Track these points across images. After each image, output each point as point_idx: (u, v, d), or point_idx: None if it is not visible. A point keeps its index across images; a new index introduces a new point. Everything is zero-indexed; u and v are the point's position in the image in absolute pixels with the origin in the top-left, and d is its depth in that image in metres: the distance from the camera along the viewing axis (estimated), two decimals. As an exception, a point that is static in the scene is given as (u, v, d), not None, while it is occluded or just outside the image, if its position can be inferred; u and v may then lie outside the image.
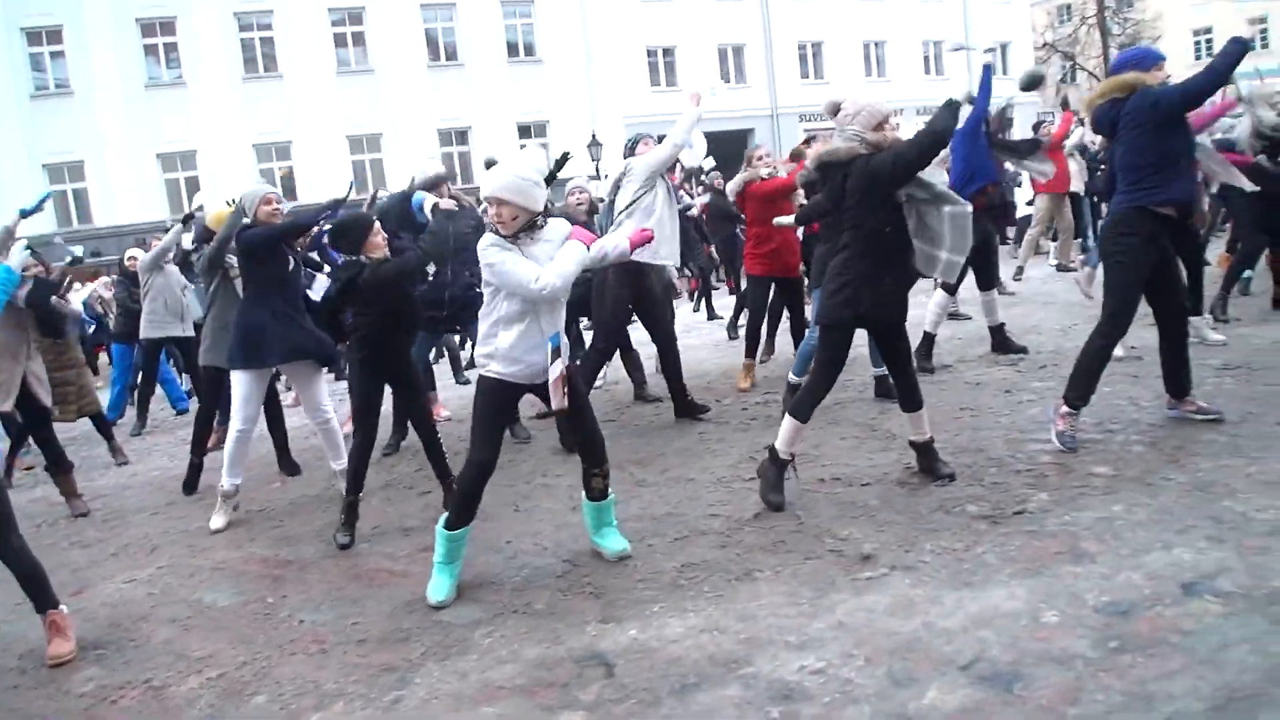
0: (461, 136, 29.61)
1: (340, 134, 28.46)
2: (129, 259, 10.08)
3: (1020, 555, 3.67)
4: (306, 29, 28.19)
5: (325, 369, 6.00)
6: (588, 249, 4.07)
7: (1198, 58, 39.62)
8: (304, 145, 28.06)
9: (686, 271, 14.27)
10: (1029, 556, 3.65)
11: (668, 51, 30.86)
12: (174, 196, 28.30)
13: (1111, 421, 5.20)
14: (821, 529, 4.24)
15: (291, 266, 5.76)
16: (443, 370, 10.44)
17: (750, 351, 7.41)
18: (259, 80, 28.22)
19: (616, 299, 6.39)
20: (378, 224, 5.09)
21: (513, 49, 30.04)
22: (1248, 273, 8.00)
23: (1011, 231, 13.97)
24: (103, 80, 26.78)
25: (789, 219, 6.20)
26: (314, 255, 6.76)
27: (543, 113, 29.59)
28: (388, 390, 5.24)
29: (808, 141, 9.34)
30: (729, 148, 33.68)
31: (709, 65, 31.10)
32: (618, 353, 7.25)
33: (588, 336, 7.47)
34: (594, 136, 25.87)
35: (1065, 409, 4.90)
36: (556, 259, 3.94)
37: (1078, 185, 12.43)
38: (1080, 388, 4.92)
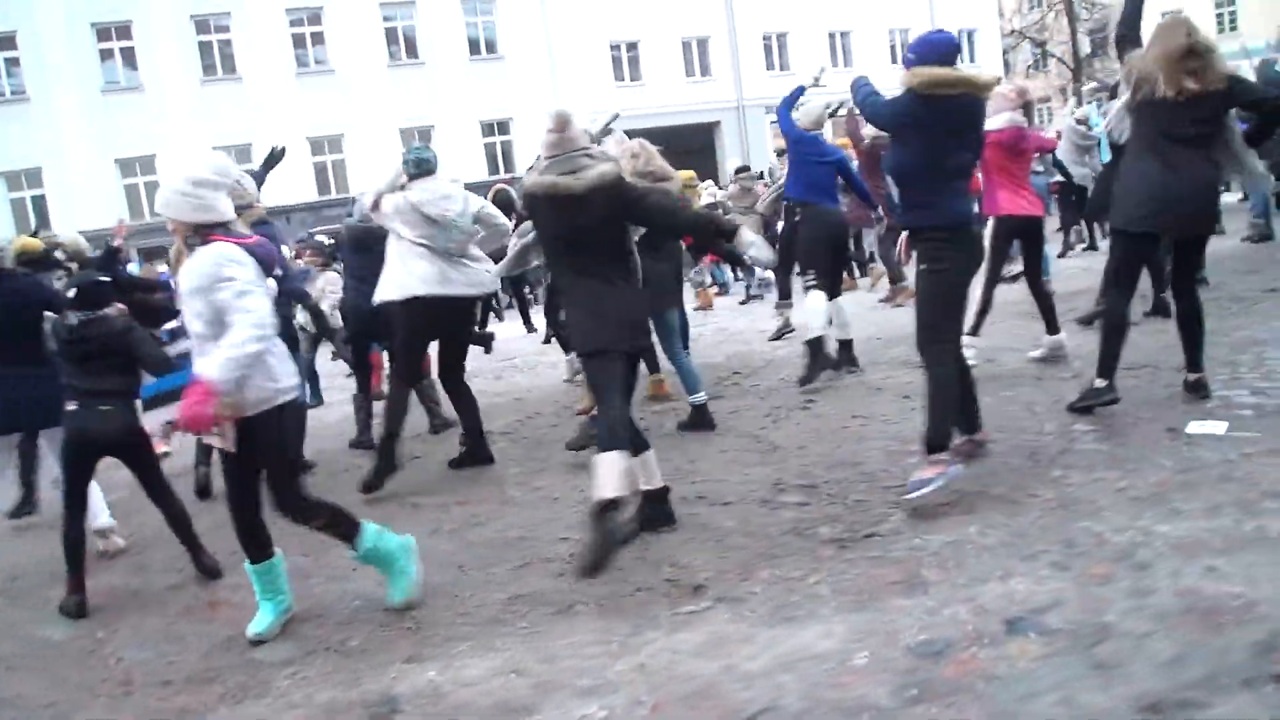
0: (425, 136, 29.20)
1: (301, 135, 28.01)
2: None
3: (854, 586, 3.43)
4: (265, 30, 27.78)
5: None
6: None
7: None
8: (265, 148, 27.54)
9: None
10: (862, 587, 3.40)
11: (631, 45, 30.48)
12: (134, 202, 27.90)
13: (1000, 430, 4.95)
14: (664, 556, 4.01)
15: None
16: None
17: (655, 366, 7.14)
18: (218, 83, 27.79)
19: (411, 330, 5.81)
20: None
21: (474, 46, 29.66)
22: None
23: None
24: (59, 86, 26.35)
25: None
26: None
27: (506, 110, 29.23)
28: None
29: None
30: (694, 141, 33.60)
31: (673, 58, 30.80)
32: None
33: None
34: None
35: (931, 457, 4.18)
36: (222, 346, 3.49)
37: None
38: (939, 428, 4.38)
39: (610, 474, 3.76)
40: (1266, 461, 3.95)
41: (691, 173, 10.52)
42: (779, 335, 8.67)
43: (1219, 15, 41.41)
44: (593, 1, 29.46)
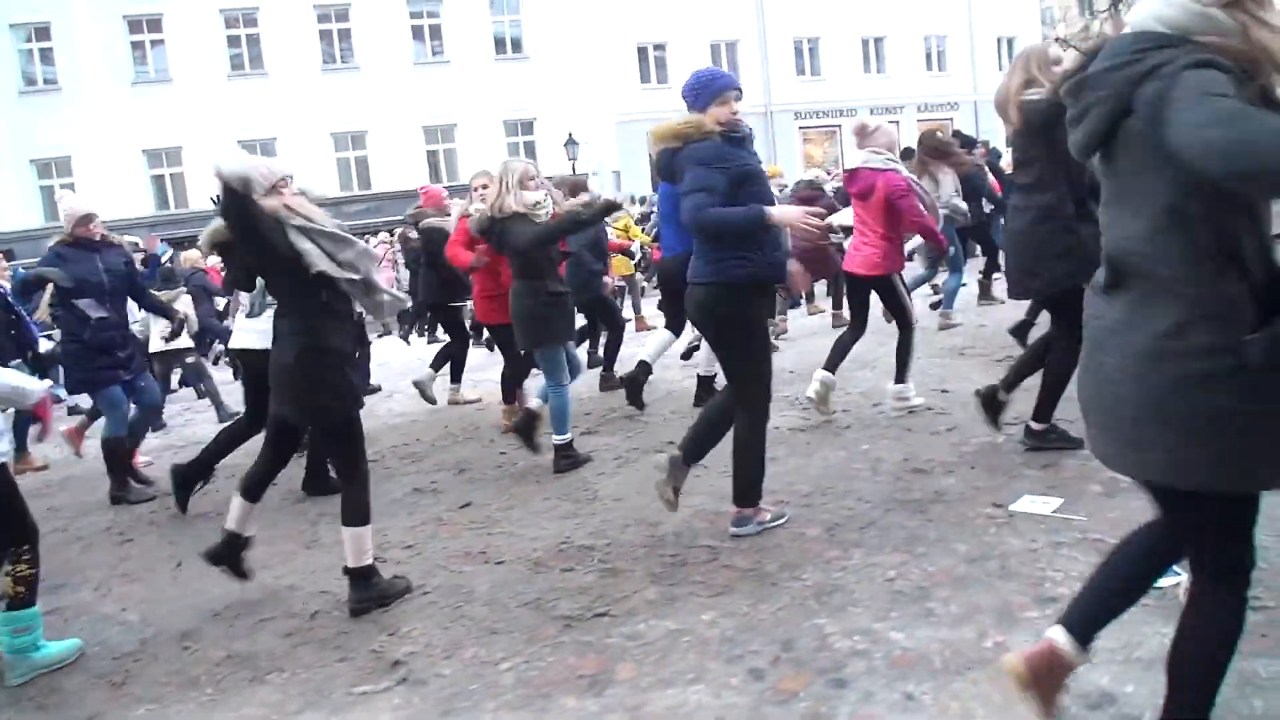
0: (447, 134, 29.22)
1: (325, 131, 28.21)
2: None
3: (541, 677, 3.08)
4: (293, 25, 27.94)
5: None
6: None
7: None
8: (289, 143, 27.78)
9: None
10: (549, 679, 3.06)
11: (659, 47, 30.09)
12: (159, 193, 28.30)
13: (824, 492, 4.55)
14: (393, 621, 3.69)
15: None
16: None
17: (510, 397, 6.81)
18: (245, 78, 28.07)
19: None
20: None
21: (500, 45, 29.58)
22: None
23: None
24: (90, 76, 26.77)
25: None
26: None
27: (529, 110, 29.09)
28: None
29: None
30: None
31: (701, 61, 30.32)
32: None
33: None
34: (570, 135, 25.30)
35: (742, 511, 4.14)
36: None
37: None
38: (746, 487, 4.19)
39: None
40: (1071, 553, 3.51)
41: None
42: (688, 354, 8.36)
43: None
44: (621, 2, 29.14)
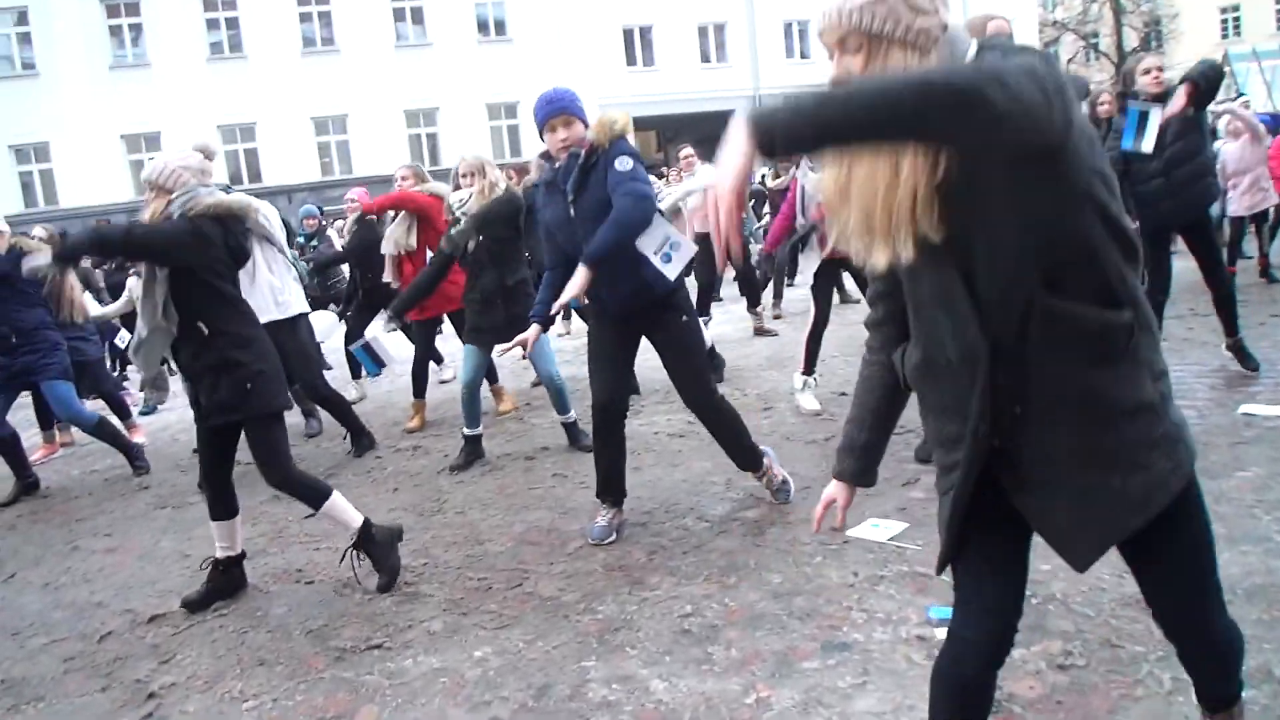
0: (430, 118, 28.89)
1: (306, 115, 27.90)
2: None
3: (282, 714, 2.84)
4: (272, 8, 27.60)
5: None
6: None
7: (1224, 36, 37.27)
8: (269, 127, 27.56)
9: None
10: (282, 717, 2.82)
11: (644, 30, 29.68)
12: (138, 178, 28.02)
13: (666, 509, 4.31)
14: (171, 648, 3.50)
15: None
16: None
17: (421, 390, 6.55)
18: (224, 61, 27.72)
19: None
20: None
21: (483, 27, 29.17)
22: None
23: None
24: (67, 61, 26.51)
25: None
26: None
27: (513, 93, 28.65)
28: None
29: None
30: (707, 129, 32.61)
31: (688, 44, 29.94)
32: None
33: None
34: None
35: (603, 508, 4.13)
36: None
37: None
38: (606, 482, 4.10)
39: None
40: (888, 589, 3.27)
41: None
42: None
43: (1223, 20, 39.29)
44: (605, -16, 28.76)
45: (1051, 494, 1.64)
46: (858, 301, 6.12)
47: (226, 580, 3.92)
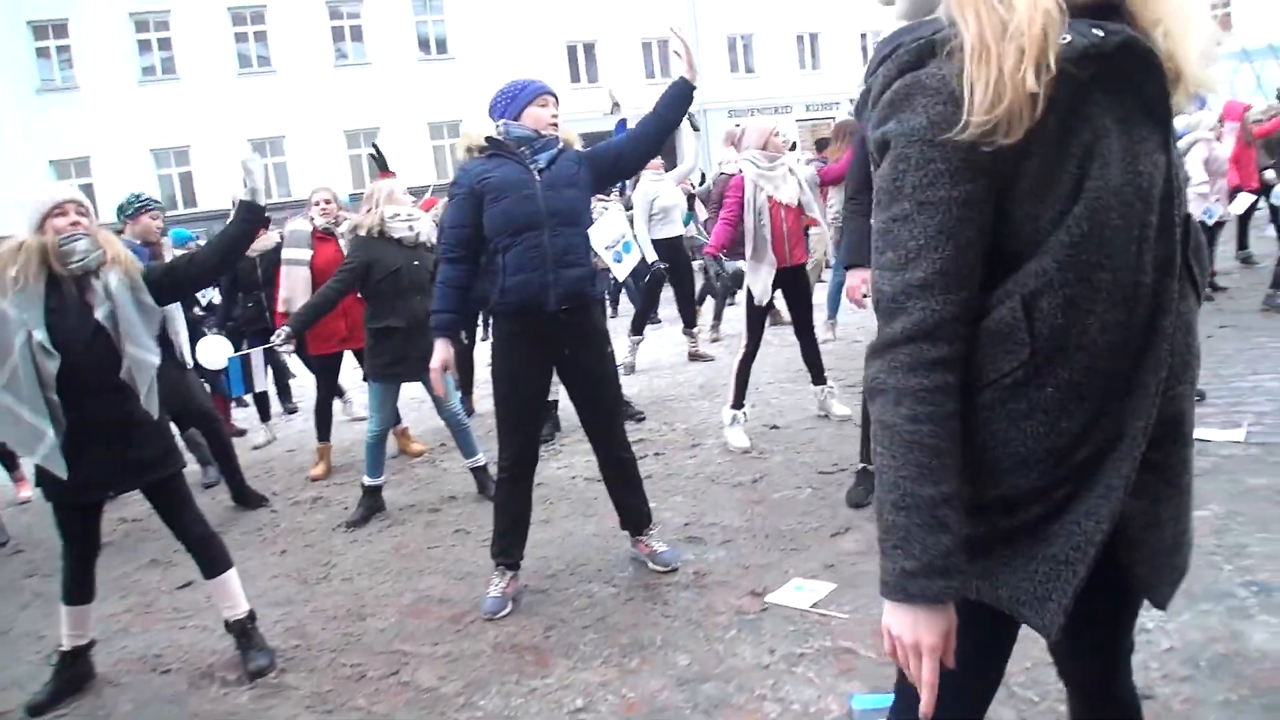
0: (370, 137, 28.23)
1: (242, 136, 27.17)
2: None
3: None
4: (206, 29, 26.89)
5: None
6: None
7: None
8: (199, 150, 26.81)
9: None
10: None
11: (589, 46, 29.34)
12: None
13: (573, 571, 3.89)
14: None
15: None
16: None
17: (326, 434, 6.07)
18: (155, 83, 26.95)
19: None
20: None
21: (424, 45, 28.66)
22: None
23: None
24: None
25: None
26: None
27: (456, 111, 28.18)
28: None
29: None
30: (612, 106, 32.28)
31: (633, 60, 29.64)
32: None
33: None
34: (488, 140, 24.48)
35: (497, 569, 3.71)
36: None
37: None
38: (503, 542, 3.66)
39: None
40: (806, 672, 2.91)
41: None
42: None
43: (1213, 16, 39.82)
44: (547, 1, 28.37)
45: (1160, 507, 1.34)
46: (788, 324, 5.74)
47: (75, 673, 3.43)
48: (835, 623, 3.18)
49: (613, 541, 4.10)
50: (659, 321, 10.75)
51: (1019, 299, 1.22)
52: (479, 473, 5.08)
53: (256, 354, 5.65)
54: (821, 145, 9.39)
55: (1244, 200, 8.78)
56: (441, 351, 3.54)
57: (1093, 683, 1.57)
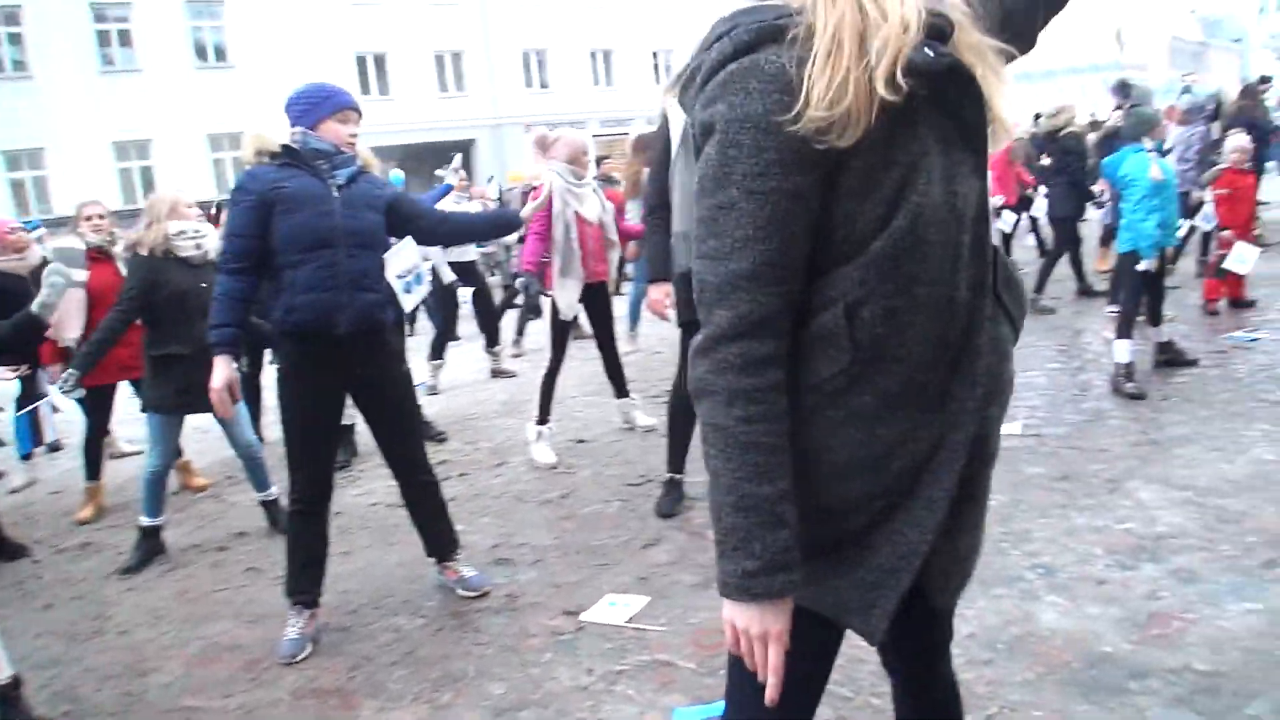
0: (141, 150, 26.51)
1: (-4, 148, 24.87)
2: None
3: None
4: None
5: None
6: None
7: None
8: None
9: None
10: None
11: (379, 58, 28.55)
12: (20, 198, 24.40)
13: (376, 604, 3.71)
14: None
15: None
16: None
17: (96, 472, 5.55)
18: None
19: None
20: None
21: (201, 53, 27.13)
22: None
23: None
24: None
25: None
26: None
27: (236, 123, 26.78)
28: None
29: None
30: (449, 158, 31.82)
31: (425, 72, 29.10)
32: None
33: None
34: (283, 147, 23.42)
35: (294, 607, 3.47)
36: None
37: None
38: (299, 580, 3.44)
39: None
40: (625, 689, 2.87)
41: None
42: None
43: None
44: (335, 10, 27.42)
45: (959, 519, 1.36)
46: (590, 337, 5.74)
47: None
48: (652, 636, 3.16)
49: (418, 570, 3.93)
50: (458, 339, 10.54)
51: (842, 306, 1.21)
52: (270, 506, 4.78)
53: (44, 405, 5.09)
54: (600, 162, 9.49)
55: (1009, 217, 9.55)
56: (223, 370, 3.27)
57: (915, 672, 1.61)
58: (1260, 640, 2.77)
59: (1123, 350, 5.48)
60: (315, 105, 3.33)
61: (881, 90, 1.11)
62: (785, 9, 1.18)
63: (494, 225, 4.11)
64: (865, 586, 1.32)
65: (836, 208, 1.20)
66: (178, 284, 4.44)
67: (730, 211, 1.18)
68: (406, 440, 3.60)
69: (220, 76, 27.10)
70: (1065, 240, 8.43)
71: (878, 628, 1.32)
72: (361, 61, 28.28)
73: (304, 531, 3.44)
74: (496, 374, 8.03)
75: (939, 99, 1.19)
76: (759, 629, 1.23)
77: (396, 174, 10.12)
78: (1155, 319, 5.85)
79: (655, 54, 32.37)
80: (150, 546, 4.56)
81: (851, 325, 1.22)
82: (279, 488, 4.68)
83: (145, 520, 4.56)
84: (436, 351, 7.69)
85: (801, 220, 1.19)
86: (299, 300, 3.24)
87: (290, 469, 3.40)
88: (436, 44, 29.13)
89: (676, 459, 4.32)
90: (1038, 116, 10.78)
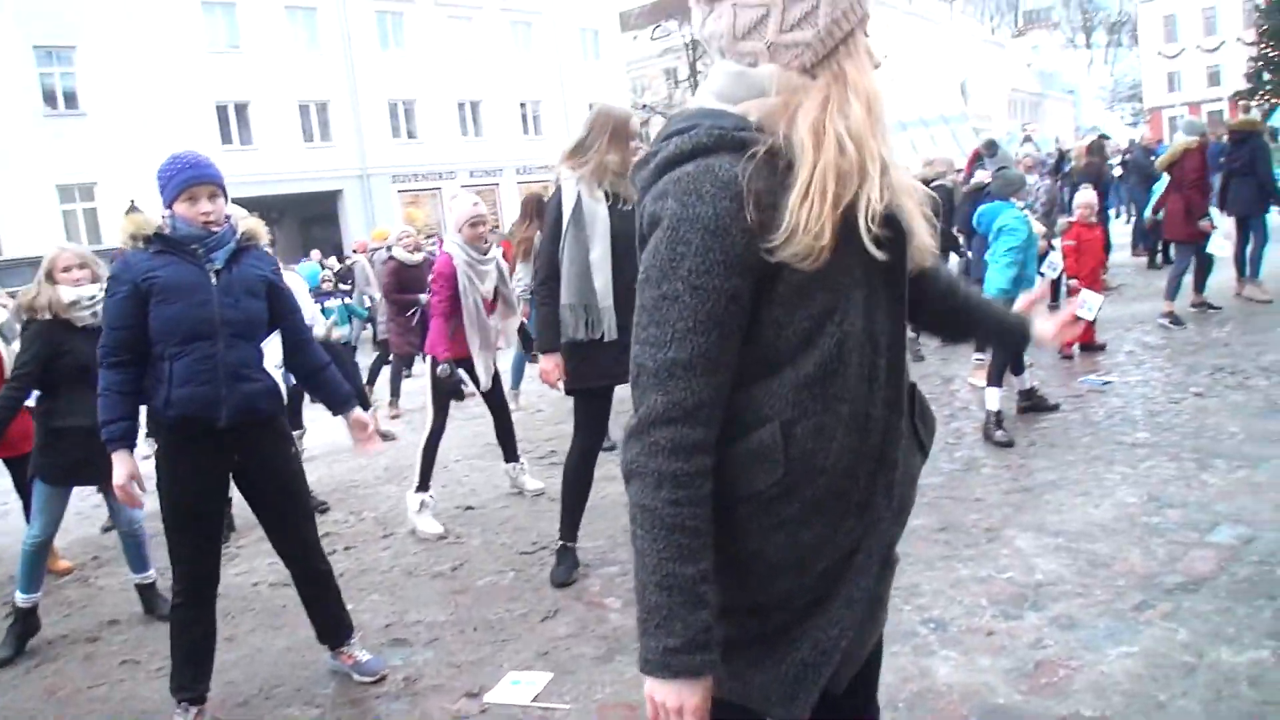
0: (-18, 201, 25.04)
1: None
2: None
3: None
4: None
5: None
6: None
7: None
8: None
9: None
10: None
11: (240, 107, 27.86)
12: None
13: (267, 694, 3.55)
14: None
15: None
16: None
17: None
18: None
19: None
20: None
21: (49, 98, 25.88)
22: None
23: None
24: None
25: None
26: None
27: (88, 173, 25.62)
28: None
29: None
30: (315, 209, 31.35)
31: (289, 122, 28.51)
32: None
33: None
34: (133, 203, 22.50)
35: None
36: None
37: None
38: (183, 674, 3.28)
39: None
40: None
41: None
42: None
43: None
44: (193, 58, 26.64)
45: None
46: (474, 394, 5.70)
47: None
48: (558, 715, 3.12)
49: (309, 655, 3.79)
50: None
51: (778, 424, 1.30)
52: (147, 591, 4.52)
53: None
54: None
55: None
56: (123, 464, 3.14)
57: None
58: (1139, 684, 2.92)
59: (993, 398, 5.75)
60: (164, 187, 3.16)
61: (865, 235, 1.25)
62: (745, 122, 1.27)
63: (332, 388, 3.62)
64: (788, 680, 1.39)
65: (766, 312, 1.29)
66: (78, 354, 4.15)
67: (674, 303, 1.25)
68: (300, 526, 3.48)
69: (71, 124, 25.89)
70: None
71: (800, 715, 1.39)
72: (222, 110, 27.60)
73: (188, 624, 3.27)
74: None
75: (872, 236, 1.29)
76: (676, 703, 1.28)
77: (311, 266, 9.82)
78: (1018, 367, 6.16)
79: (523, 104, 32.60)
80: (25, 629, 4.25)
81: (786, 442, 1.30)
82: (157, 569, 4.45)
83: (21, 598, 4.25)
84: (294, 422, 7.43)
85: (736, 319, 1.27)
86: (176, 394, 3.11)
87: (172, 559, 3.24)
88: (301, 93, 28.69)
89: (569, 526, 4.29)
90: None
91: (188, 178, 3.11)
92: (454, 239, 5.23)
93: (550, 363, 4.17)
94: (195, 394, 3.11)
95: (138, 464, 3.19)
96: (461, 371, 5.31)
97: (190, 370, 3.09)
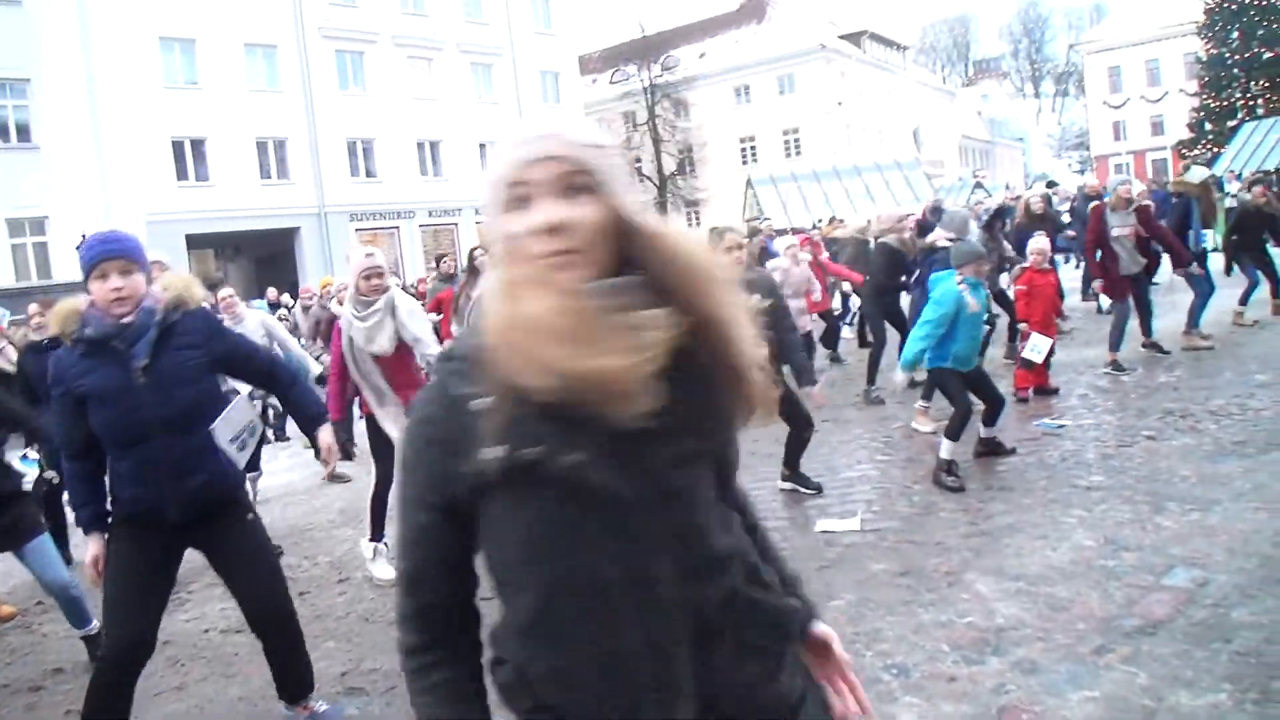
0: (-73, 235, 24.54)
1: None
2: None
3: None
4: None
5: None
6: None
7: (744, 163, 42.99)
8: None
9: None
10: None
11: (197, 143, 27.60)
12: None
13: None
14: None
15: None
16: None
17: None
18: None
19: None
20: None
21: (3, 132, 25.50)
22: None
23: None
24: None
25: None
26: None
27: (41, 206, 25.22)
28: None
29: None
30: (271, 247, 31.06)
31: (246, 159, 28.32)
32: None
33: None
34: (84, 236, 22.10)
35: None
36: None
37: None
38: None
39: None
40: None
41: None
42: None
43: (742, 150, 45.92)
44: (149, 93, 26.40)
45: None
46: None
47: None
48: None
49: (263, 704, 3.69)
50: (288, 439, 10.15)
51: (512, 666, 1.31)
52: (92, 641, 4.37)
53: None
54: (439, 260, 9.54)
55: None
56: (94, 547, 3.11)
57: None
58: (1100, 730, 2.94)
59: (947, 449, 5.79)
60: (82, 267, 3.00)
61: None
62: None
63: (301, 408, 3.59)
64: None
65: (479, 546, 1.31)
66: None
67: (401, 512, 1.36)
68: (272, 588, 3.34)
69: (23, 158, 25.49)
70: (880, 337, 8.94)
71: None
72: (179, 146, 27.32)
73: (107, 698, 3.05)
74: (332, 479, 7.72)
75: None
76: None
77: (259, 302, 9.73)
78: (990, 420, 6.23)
79: (483, 145, 32.65)
80: None
81: (526, 681, 1.29)
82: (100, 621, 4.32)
83: None
84: (251, 463, 7.31)
85: (436, 547, 1.33)
86: (124, 494, 3.08)
87: (105, 624, 3.11)
88: (258, 130, 28.50)
89: None
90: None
91: (96, 254, 2.94)
92: (349, 295, 4.96)
93: None
94: (139, 495, 3.05)
95: (102, 550, 3.11)
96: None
97: (133, 472, 3.04)
